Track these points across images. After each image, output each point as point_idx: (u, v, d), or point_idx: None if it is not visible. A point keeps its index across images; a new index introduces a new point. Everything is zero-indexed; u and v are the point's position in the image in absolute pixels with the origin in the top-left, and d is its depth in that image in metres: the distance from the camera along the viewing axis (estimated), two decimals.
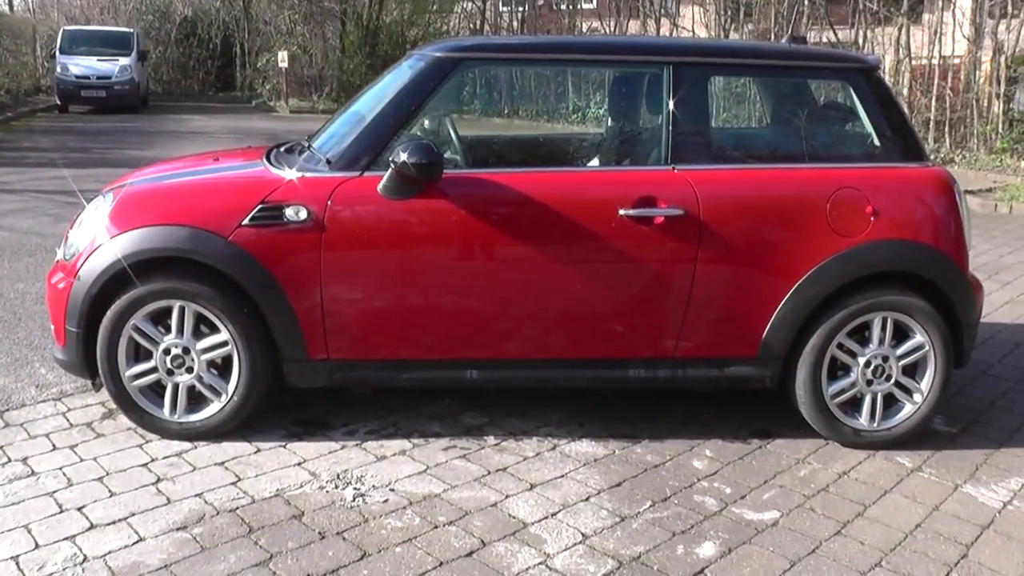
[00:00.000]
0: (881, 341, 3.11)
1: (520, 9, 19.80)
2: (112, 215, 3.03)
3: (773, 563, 2.47)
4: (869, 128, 3.15)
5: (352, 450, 3.09)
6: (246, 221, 2.94)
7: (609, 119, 3.43)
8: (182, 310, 3.02)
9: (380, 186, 2.94)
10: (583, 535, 2.58)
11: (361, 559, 2.42)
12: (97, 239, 3.01)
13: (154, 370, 3.07)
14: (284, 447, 3.09)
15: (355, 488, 2.81)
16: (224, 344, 3.04)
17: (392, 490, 2.81)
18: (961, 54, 13.85)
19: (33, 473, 2.86)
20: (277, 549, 2.45)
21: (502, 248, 2.98)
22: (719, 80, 3.00)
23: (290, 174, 3.04)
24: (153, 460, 2.97)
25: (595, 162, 3.27)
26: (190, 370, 3.08)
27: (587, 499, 2.78)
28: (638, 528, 2.63)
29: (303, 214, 2.94)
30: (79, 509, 2.65)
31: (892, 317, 3.09)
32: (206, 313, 3.01)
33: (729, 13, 15.77)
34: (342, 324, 3.03)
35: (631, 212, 2.97)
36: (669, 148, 3.05)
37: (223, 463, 2.96)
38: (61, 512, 2.63)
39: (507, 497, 2.78)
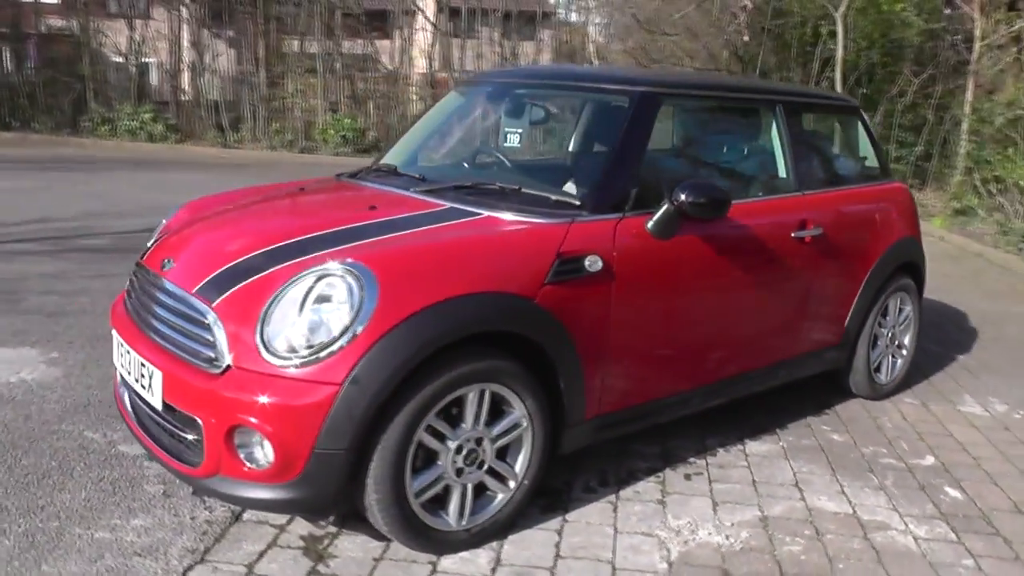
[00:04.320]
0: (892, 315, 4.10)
1: None
2: (389, 290, 2.30)
3: (997, 492, 3.24)
4: (871, 153, 4.07)
5: (632, 503, 2.93)
6: (549, 278, 2.56)
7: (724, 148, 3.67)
8: (480, 394, 2.48)
9: (651, 225, 2.83)
10: (918, 517, 2.98)
11: None
12: (373, 326, 2.26)
13: (439, 477, 2.47)
14: (565, 520, 2.78)
15: (727, 533, 2.76)
16: (517, 425, 2.59)
17: (763, 520, 2.87)
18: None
19: None
20: None
21: (736, 276, 3.14)
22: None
23: (537, 219, 2.68)
24: None
25: (748, 190, 3.53)
26: (480, 464, 2.55)
27: (864, 486, 3.18)
28: (911, 496, 3.14)
29: (599, 264, 2.68)
30: None
31: (900, 296, 4.09)
32: (503, 392, 2.53)
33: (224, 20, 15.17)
34: (616, 375, 2.84)
35: (798, 234, 3.39)
36: (794, 176, 3.53)
37: (565, 556, 2.56)
38: None
39: (821, 501, 3.04)
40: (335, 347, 2.25)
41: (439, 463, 2.46)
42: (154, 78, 15.51)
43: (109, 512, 2.71)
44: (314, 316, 2.29)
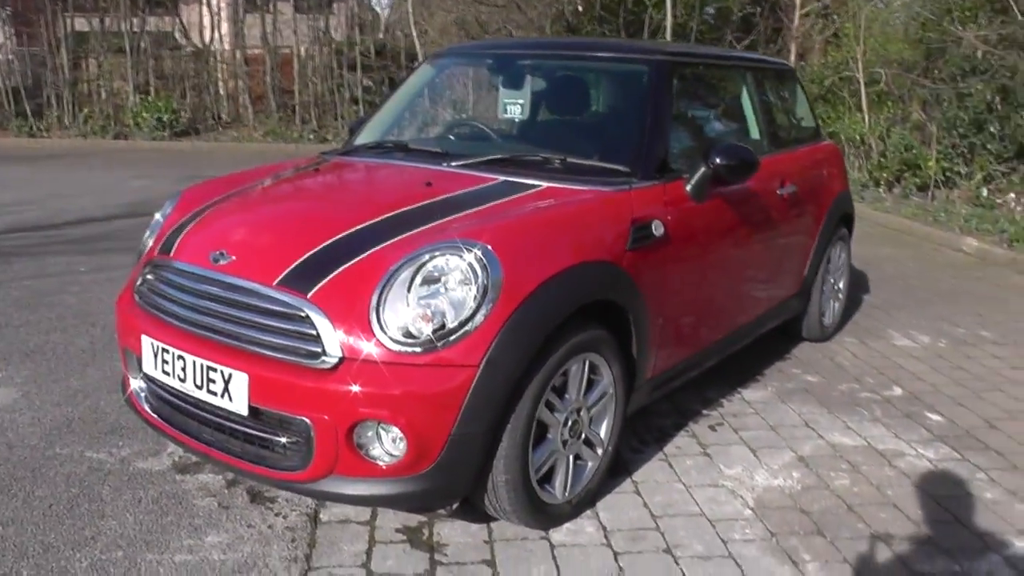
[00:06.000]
0: None
1: None
2: (511, 266, 2.24)
3: (966, 412, 3.67)
4: (808, 115, 4.40)
5: (682, 459, 3.05)
6: (630, 244, 2.61)
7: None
8: (582, 364, 2.50)
9: (690, 188, 2.94)
10: (920, 442, 3.32)
11: None
12: (502, 304, 2.21)
13: (552, 451, 2.47)
14: (635, 482, 2.86)
15: (782, 476, 2.93)
16: (604, 392, 2.64)
17: (802, 460, 3.09)
18: (291, 45, 15.57)
19: None
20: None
21: (747, 232, 3.34)
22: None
23: (598, 187, 2.71)
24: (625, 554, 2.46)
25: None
26: (579, 435, 2.57)
27: (862, 420, 3.49)
28: (903, 424, 3.49)
29: (661, 228, 2.75)
30: None
31: (839, 245, 4.48)
32: (596, 361, 2.56)
33: None
34: (667, 335, 2.94)
35: (781, 191, 3.63)
36: (765, 138, 3.77)
37: (660, 516, 2.64)
38: None
39: (836, 437, 3.31)
40: (467, 328, 2.18)
41: (549, 437, 2.46)
42: None
43: (173, 533, 2.47)
44: (434, 298, 2.20)
